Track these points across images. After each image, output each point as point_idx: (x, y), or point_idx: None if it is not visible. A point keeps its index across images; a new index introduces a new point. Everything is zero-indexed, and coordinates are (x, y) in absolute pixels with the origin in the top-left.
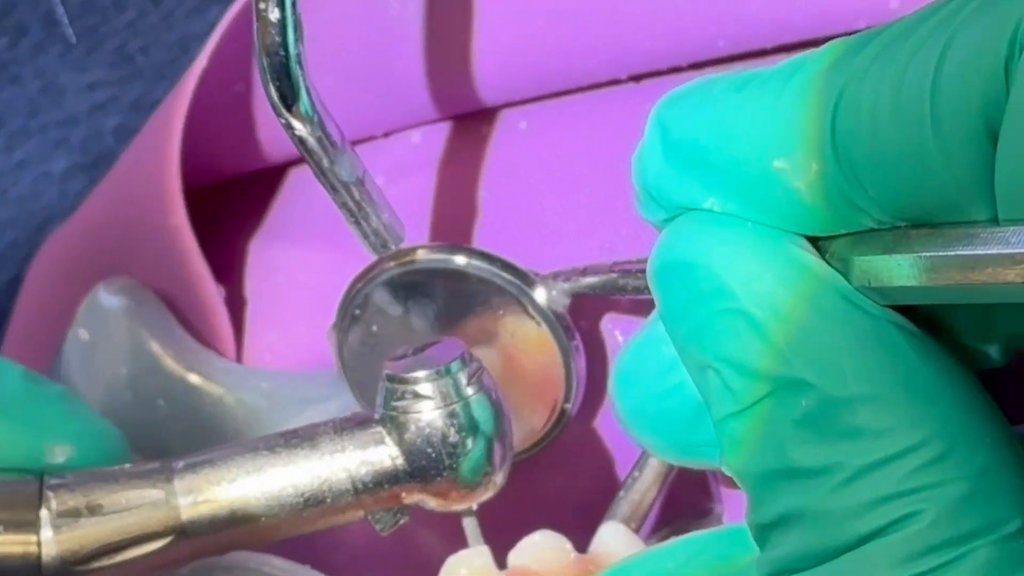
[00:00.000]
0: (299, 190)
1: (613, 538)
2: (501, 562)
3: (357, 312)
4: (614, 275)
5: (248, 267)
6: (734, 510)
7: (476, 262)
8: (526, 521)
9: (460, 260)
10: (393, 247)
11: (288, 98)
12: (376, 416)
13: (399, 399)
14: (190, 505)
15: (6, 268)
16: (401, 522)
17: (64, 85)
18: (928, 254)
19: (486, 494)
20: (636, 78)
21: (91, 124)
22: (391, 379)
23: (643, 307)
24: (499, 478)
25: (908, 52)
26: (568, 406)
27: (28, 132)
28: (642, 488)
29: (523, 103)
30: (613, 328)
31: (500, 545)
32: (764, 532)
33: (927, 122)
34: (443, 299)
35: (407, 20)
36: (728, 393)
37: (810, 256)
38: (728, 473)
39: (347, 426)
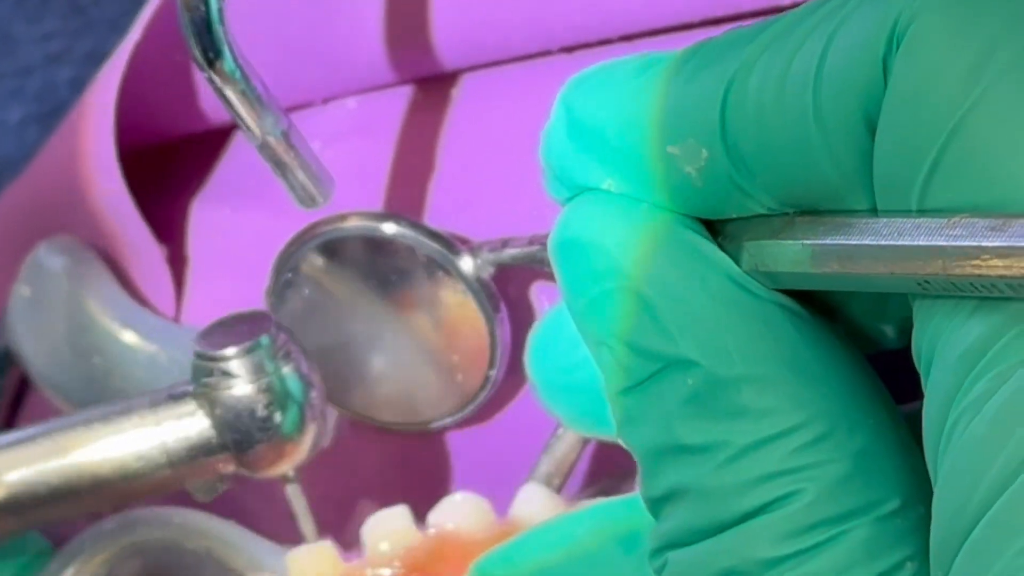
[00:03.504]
0: (242, 152)
1: (533, 499)
2: (422, 520)
3: (290, 275)
4: (534, 248)
5: (191, 227)
6: None
7: (403, 230)
8: (448, 482)
9: (388, 228)
10: (321, 200)
11: (210, 53)
12: (190, 389)
13: (209, 375)
14: (12, 479)
15: None
16: (220, 490)
17: (18, 35)
18: (809, 242)
19: (297, 458)
20: (568, 50)
21: (45, 74)
22: (200, 356)
23: None
24: (308, 441)
25: (795, 44)
26: (492, 372)
27: None
28: (563, 449)
29: (457, 72)
30: (539, 295)
31: (423, 506)
32: (655, 505)
33: (810, 113)
34: (373, 265)
35: None
36: (620, 369)
37: (701, 238)
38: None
39: (161, 400)
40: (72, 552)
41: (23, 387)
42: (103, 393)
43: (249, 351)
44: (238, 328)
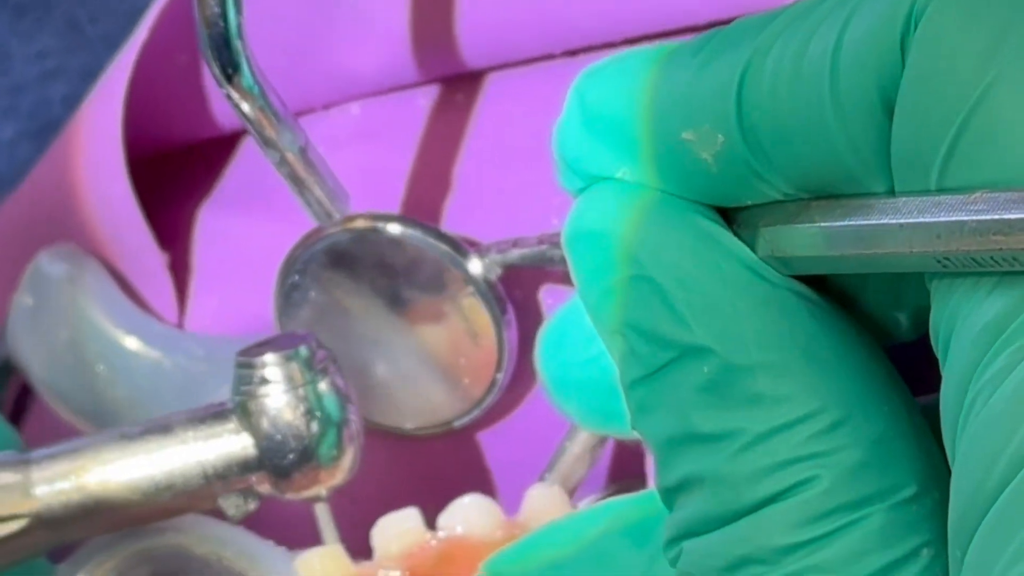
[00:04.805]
0: (247, 159)
1: (542, 501)
2: (432, 524)
3: (296, 278)
4: (543, 247)
5: (195, 234)
6: None
7: (412, 231)
8: (457, 486)
9: (395, 229)
10: (337, 216)
11: (229, 69)
12: (229, 404)
13: (247, 383)
14: (47, 491)
15: None
16: (251, 508)
17: (13, 53)
18: (826, 224)
19: (332, 480)
20: (571, 53)
21: (39, 92)
22: (240, 365)
23: None
24: (346, 463)
25: (810, 27)
26: (499, 376)
27: None
28: (573, 456)
29: (459, 77)
30: (546, 298)
31: (431, 509)
32: (669, 495)
33: (827, 96)
34: (380, 267)
35: None
36: (634, 358)
37: (715, 225)
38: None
39: (200, 414)
40: (80, 559)
41: (24, 396)
42: (106, 402)
43: (288, 359)
44: (280, 341)
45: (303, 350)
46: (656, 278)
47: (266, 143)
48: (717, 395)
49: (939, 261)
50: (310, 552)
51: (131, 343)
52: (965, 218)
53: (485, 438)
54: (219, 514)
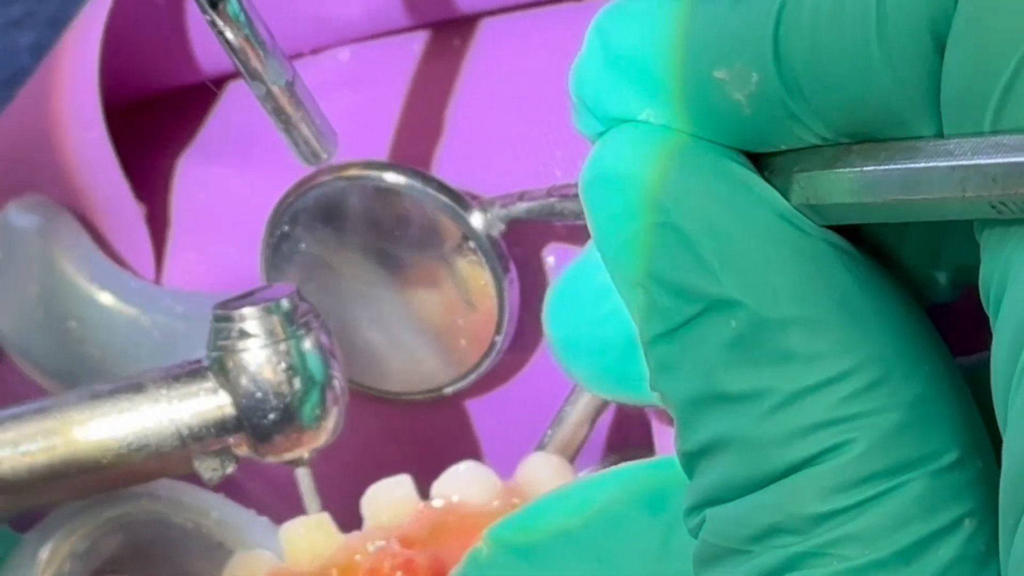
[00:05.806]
0: (229, 108)
1: (541, 468)
2: (425, 492)
3: (286, 228)
4: (552, 199)
5: (174, 186)
6: (668, 447)
7: (411, 181)
8: (452, 453)
9: (393, 178)
10: (324, 156)
11: None
12: (205, 362)
13: (225, 338)
14: (9, 455)
15: None
16: (228, 470)
17: None
18: (868, 168)
19: (315, 443)
20: None
21: (6, 40)
22: (217, 318)
23: (580, 235)
24: (330, 425)
25: None
26: (498, 338)
27: None
28: (573, 423)
29: (455, 21)
30: (549, 256)
31: (424, 477)
32: (691, 460)
33: (872, 31)
34: (374, 219)
35: None
36: (657, 312)
37: (746, 171)
38: (657, 401)
39: (175, 371)
40: (49, 528)
41: None
42: (78, 361)
43: (268, 312)
44: (260, 294)
45: (284, 303)
46: (682, 226)
47: (251, 75)
48: (746, 352)
49: (994, 207)
50: (296, 521)
51: (105, 298)
52: None
53: (482, 404)
54: (196, 479)
